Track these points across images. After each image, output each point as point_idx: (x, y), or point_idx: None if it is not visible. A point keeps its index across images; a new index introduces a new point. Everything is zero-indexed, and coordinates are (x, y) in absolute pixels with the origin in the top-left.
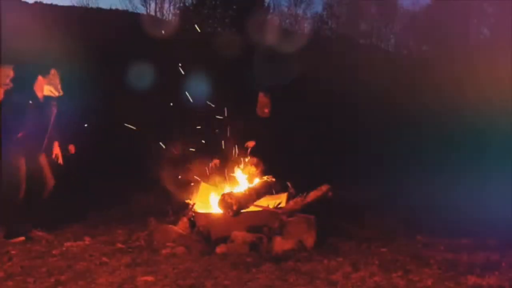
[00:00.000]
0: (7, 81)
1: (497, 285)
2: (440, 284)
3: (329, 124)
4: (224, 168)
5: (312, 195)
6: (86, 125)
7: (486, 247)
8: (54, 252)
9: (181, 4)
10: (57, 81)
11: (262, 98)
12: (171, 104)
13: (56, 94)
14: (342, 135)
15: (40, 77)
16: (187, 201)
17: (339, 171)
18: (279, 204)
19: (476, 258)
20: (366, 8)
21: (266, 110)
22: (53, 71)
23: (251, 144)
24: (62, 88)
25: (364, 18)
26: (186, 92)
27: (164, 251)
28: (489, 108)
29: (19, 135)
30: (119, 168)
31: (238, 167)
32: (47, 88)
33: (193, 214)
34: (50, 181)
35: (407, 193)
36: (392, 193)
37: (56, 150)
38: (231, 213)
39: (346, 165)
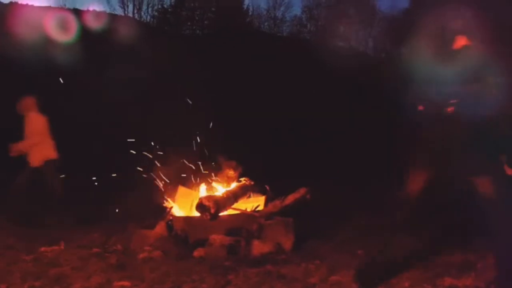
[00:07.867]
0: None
1: (473, 285)
2: (418, 285)
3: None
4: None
5: (291, 198)
6: None
7: (464, 247)
8: (28, 257)
9: (159, 6)
10: None
11: None
12: None
13: None
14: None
15: None
16: (164, 204)
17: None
18: (257, 207)
19: (453, 259)
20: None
21: None
22: None
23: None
24: None
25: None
26: None
27: (141, 255)
28: None
29: None
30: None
31: (217, 170)
32: None
33: (171, 218)
34: None
35: (383, 193)
36: (368, 193)
37: None
38: (208, 217)
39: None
